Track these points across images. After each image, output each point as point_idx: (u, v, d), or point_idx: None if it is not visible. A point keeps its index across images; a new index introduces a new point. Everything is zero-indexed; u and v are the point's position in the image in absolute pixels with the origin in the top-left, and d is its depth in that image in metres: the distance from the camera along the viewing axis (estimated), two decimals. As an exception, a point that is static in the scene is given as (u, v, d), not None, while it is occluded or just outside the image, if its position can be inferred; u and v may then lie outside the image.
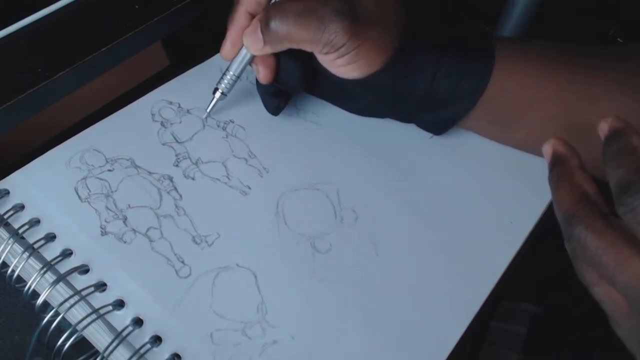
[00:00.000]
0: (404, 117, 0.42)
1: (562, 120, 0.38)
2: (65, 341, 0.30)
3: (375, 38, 0.35)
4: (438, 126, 0.41)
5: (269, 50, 0.36)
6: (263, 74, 0.37)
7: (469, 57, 0.37)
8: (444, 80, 0.37)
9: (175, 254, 0.34)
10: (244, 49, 0.37)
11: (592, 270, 0.23)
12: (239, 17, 0.37)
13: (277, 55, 0.37)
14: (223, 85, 0.39)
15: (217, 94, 0.39)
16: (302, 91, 0.42)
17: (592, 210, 0.22)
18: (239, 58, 0.38)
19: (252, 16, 0.37)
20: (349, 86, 0.38)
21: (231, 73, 0.39)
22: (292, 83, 0.39)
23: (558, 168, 0.24)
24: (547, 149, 0.25)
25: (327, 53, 0.35)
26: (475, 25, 0.40)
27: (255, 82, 0.41)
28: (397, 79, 0.37)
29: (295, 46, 0.35)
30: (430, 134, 0.42)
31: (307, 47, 0.35)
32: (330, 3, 0.33)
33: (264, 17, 0.35)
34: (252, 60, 0.38)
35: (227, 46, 0.38)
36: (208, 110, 0.40)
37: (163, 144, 0.40)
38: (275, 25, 0.34)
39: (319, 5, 0.33)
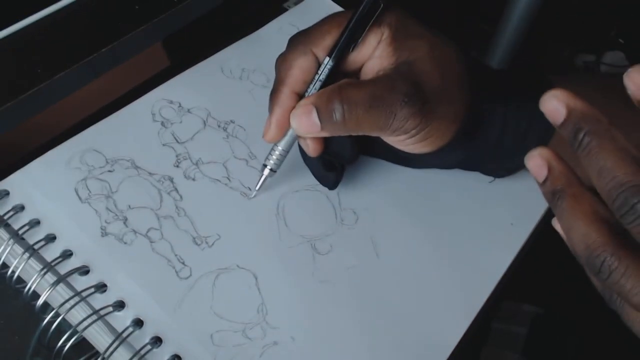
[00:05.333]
0: (470, 168, 0.40)
1: None
2: (66, 342, 0.30)
3: (444, 114, 0.33)
4: (506, 172, 0.40)
5: (325, 134, 0.33)
6: (313, 147, 0.34)
7: (533, 103, 0.37)
8: (512, 130, 0.36)
9: (176, 255, 0.34)
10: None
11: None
12: (284, 99, 0.34)
13: None
14: (272, 162, 0.36)
15: (266, 171, 0.36)
16: (355, 161, 0.38)
17: (619, 242, 0.21)
18: (287, 134, 0.35)
19: (298, 96, 0.34)
20: (415, 156, 0.36)
21: (280, 149, 0.35)
22: (345, 155, 0.36)
23: (567, 198, 0.22)
24: (537, 161, 0.23)
25: (396, 136, 0.33)
26: (528, 67, 0.38)
27: (300, 154, 0.38)
28: (466, 141, 0.35)
29: (358, 134, 0.33)
30: (490, 178, 0.41)
31: (373, 134, 0.33)
32: (397, 88, 0.31)
33: (326, 105, 0.32)
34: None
35: (272, 130, 0.34)
36: (257, 188, 0.37)
37: (163, 145, 0.40)
38: (342, 116, 0.31)
39: (386, 92, 0.31)
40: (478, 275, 0.36)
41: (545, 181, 0.23)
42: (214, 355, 0.31)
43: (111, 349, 0.30)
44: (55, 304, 0.32)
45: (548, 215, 0.40)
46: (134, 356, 0.30)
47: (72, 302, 0.32)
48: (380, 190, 0.40)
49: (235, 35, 0.48)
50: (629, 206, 0.19)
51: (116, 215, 0.35)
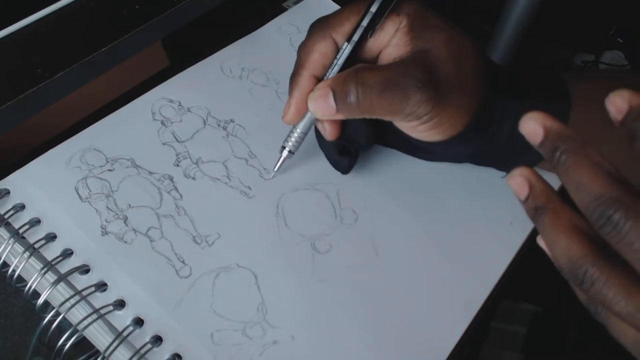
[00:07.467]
0: (482, 163, 0.41)
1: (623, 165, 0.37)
2: (66, 341, 0.30)
3: (457, 103, 0.33)
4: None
5: (340, 117, 0.34)
6: (330, 131, 0.35)
7: (545, 103, 0.36)
8: None
9: (176, 254, 0.34)
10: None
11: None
12: (303, 82, 0.35)
13: None
14: (290, 144, 0.37)
15: (285, 153, 0.37)
16: (369, 147, 0.39)
17: (599, 253, 0.21)
18: (306, 116, 0.36)
19: (317, 79, 0.35)
20: (427, 145, 0.36)
21: (298, 131, 0.36)
22: (360, 140, 0.37)
23: (548, 214, 0.22)
24: (518, 180, 0.23)
25: (408, 121, 0.33)
26: (546, 68, 0.39)
27: (317, 138, 0.38)
28: (478, 134, 0.36)
29: (372, 117, 0.33)
30: (503, 173, 0.41)
31: (386, 118, 0.34)
32: (411, 74, 0.32)
33: (342, 87, 0.33)
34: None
35: (291, 111, 0.35)
36: (275, 169, 0.38)
37: (163, 144, 0.40)
38: (356, 98, 0.32)
39: (400, 77, 0.32)
40: (477, 274, 0.37)
41: (527, 199, 0.23)
42: (214, 354, 0.31)
43: (111, 348, 0.30)
44: (55, 303, 0.32)
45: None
46: (134, 355, 0.30)
47: (72, 301, 0.32)
48: (379, 189, 0.40)
49: (234, 35, 0.48)
50: (605, 218, 0.20)
51: (116, 214, 0.36)
